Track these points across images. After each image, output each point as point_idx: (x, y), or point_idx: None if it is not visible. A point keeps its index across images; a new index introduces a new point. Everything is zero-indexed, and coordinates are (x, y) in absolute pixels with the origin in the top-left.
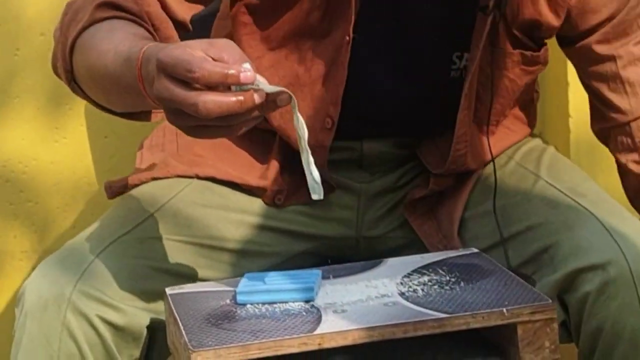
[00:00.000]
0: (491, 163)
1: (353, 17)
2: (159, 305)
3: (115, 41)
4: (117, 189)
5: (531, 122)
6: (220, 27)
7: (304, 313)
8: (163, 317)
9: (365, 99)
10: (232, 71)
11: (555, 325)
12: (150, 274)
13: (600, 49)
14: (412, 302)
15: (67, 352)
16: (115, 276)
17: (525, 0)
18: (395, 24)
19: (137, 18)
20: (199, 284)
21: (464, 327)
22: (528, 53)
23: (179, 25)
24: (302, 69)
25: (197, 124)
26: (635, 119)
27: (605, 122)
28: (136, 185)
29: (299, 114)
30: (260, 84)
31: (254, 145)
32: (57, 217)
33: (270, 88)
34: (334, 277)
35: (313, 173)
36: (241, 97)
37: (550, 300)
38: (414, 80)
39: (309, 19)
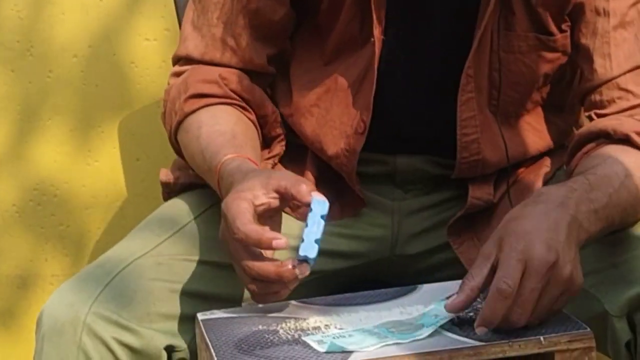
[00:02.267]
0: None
1: (375, 17)
2: (177, 327)
3: (202, 144)
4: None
5: (562, 133)
6: None
7: None
8: (181, 340)
9: (398, 107)
10: (266, 238)
11: (594, 354)
12: (168, 295)
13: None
14: (447, 330)
15: None
16: (131, 298)
17: None
18: (414, 26)
19: (225, 99)
20: (230, 309)
21: (500, 356)
22: (544, 37)
23: (262, 74)
24: (341, 77)
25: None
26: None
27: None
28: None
29: None
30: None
31: (285, 161)
32: (89, 241)
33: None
34: (368, 303)
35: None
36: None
37: (589, 329)
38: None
39: (350, 29)
